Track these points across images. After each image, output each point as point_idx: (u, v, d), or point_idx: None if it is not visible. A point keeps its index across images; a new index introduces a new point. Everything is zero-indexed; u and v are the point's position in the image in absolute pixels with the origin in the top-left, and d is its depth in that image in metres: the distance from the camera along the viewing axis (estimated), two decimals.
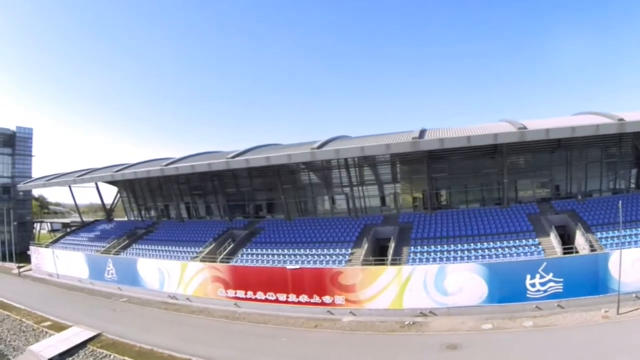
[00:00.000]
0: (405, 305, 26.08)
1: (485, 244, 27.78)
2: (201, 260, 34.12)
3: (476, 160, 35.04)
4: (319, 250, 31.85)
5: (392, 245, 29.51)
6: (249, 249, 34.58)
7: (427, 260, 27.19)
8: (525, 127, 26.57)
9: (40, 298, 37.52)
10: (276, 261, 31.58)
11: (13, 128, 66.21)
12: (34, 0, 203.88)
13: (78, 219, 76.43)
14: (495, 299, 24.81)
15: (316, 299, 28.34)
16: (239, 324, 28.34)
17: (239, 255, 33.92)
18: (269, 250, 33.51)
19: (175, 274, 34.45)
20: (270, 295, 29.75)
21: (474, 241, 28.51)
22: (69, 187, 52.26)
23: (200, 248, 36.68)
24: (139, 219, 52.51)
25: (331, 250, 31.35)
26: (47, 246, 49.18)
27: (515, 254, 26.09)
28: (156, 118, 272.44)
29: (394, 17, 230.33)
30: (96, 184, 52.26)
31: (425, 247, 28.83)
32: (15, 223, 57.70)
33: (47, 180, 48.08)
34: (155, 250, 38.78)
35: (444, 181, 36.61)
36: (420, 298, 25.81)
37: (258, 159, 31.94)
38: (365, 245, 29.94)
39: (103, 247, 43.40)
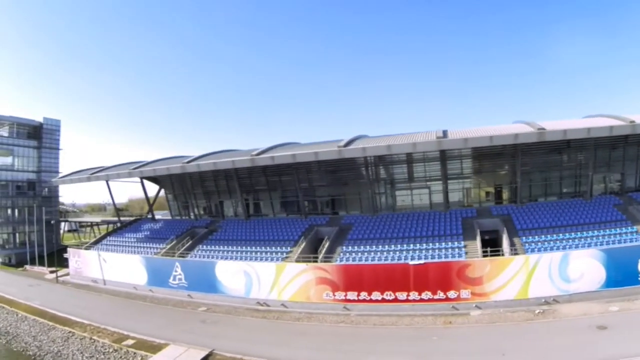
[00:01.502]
0: (531, 295, 25.15)
1: (590, 232, 27.49)
2: (297, 261, 29.62)
3: (556, 155, 34.73)
4: (424, 244, 29.19)
5: (503, 236, 28.48)
6: (347, 247, 30.65)
7: (545, 249, 26.30)
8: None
9: (99, 309, 31.24)
10: (381, 258, 28.45)
11: (39, 119, 59.44)
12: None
13: (92, 219, 70.82)
14: (611, 284, 24.64)
15: (440, 294, 26.10)
16: (368, 328, 24.48)
17: (339, 254, 29.98)
18: (368, 247, 30.05)
19: (268, 278, 29.67)
20: (388, 295, 26.78)
21: (578, 230, 27.97)
22: (107, 183, 46.69)
23: (289, 247, 32.14)
24: (186, 217, 46.85)
25: (443, 243, 28.89)
26: (87, 248, 43.33)
27: (622, 241, 25.86)
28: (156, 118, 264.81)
29: (390, 23, 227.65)
30: (141, 179, 46.93)
31: (536, 236, 27.91)
32: (52, 222, 51.65)
33: (91, 174, 41.74)
34: (233, 251, 33.45)
35: (525, 175, 34.54)
36: (545, 286, 25.09)
37: (354, 150, 29.74)
38: (478, 238, 28.69)
39: (160, 249, 37.55)
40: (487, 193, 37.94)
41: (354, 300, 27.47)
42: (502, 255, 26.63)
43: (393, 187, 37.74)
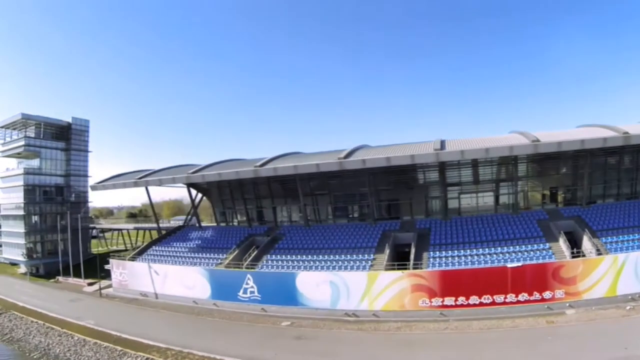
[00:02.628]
0: (619, 292, 25.31)
1: None
2: (386, 269, 27.59)
3: (614, 157, 34.50)
4: (510, 247, 28.55)
5: (584, 237, 28.38)
6: (434, 252, 28.95)
7: (627, 248, 26.34)
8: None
9: (168, 329, 27.78)
10: (472, 262, 27.59)
11: (67, 119, 54.99)
12: None
13: (125, 225, 66.15)
14: None
15: (536, 295, 25.76)
16: (475, 333, 23.58)
17: (429, 260, 28.23)
18: (456, 251, 28.81)
19: (359, 287, 27.51)
20: (486, 298, 26.08)
21: None
22: (146, 189, 43.11)
23: (371, 255, 29.98)
24: (233, 224, 43.94)
25: (528, 246, 28.36)
26: (132, 259, 39.64)
27: None
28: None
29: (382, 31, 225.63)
30: (188, 185, 43.71)
31: (614, 236, 27.93)
32: (90, 229, 47.44)
33: (138, 179, 37.97)
34: (311, 260, 30.77)
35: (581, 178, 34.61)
36: (631, 283, 25.28)
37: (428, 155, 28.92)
38: (561, 239, 28.21)
39: (221, 259, 34.32)
40: (544, 195, 37.54)
41: (451, 306, 26.37)
42: (583, 255, 26.63)
43: (460, 190, 36.21)
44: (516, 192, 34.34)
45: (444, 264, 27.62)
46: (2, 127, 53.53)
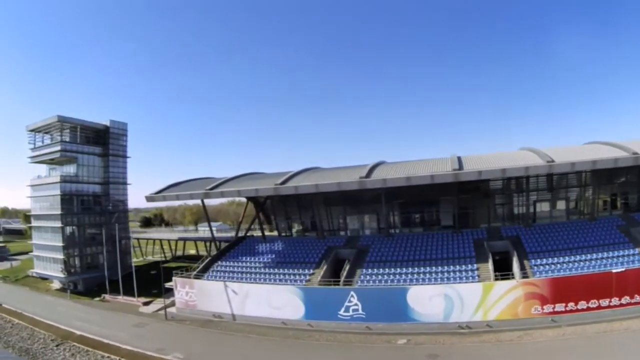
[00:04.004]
0: None
1: None
2: (496, 278, 27.05)
3: None
4: (608, 252, 28.52)
5: None
6: (539, 260, 28.79)
7: None
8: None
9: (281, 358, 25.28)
10: (578, 268, 27.60)
11: (105, 122, 49.73)
12: None
13: (167, 235, 60.84)
14: None
15: (637, 298, 25.93)
16: (599, 336, 23.55)
17: (534, 268, 28.13)
18: (560, 258, 28.73)
19: (474, 298, 26.71)
20: (593, 303, 26.31)
21: None
22: (202, 201, 39.67)
23: (474, 265, 29.20)
24: (297, 234, 41.45)
25: (626, 250, 28.45)
26: (198, 276, 35.73)
27: None
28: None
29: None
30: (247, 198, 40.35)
31: None
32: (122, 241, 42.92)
33: (209, 189, 33.92)
34: (417, 273, 29.46)
35: None
36: None
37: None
38: None
39: (309, 274, 32.03)
40: (605, 202, 37.52)
41: (561, 312, 26.29)
42: None
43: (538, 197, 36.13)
44: (593, 199, 34.11)
45: (549, 271, 27.49)
46: (32, 130, 47.89)
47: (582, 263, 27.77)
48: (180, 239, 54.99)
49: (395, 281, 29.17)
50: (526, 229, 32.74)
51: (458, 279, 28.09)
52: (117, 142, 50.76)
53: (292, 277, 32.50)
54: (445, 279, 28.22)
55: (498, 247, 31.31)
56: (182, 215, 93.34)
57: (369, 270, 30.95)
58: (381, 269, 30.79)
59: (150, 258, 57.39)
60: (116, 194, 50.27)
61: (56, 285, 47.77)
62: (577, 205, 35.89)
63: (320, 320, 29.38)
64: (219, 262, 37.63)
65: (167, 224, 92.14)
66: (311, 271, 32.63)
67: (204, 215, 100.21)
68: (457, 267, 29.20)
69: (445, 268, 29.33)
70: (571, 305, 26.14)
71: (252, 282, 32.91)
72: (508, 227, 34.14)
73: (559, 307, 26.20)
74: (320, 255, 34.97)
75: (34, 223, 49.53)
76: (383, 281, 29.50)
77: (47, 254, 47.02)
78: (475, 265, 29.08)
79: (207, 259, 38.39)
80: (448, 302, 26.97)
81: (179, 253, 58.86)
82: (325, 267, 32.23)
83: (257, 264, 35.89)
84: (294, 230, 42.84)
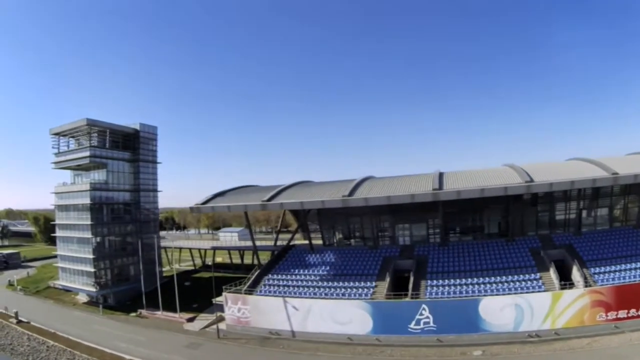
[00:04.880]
0: None
1: None
2: (562, 287, 27.66)
3: None
4: None
5: None
6: (596, 268, 29.56)
7: None
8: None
9: None
10: (632, 276, 28.33)
11: (134, 125, 46.29)
12: None
13: (198, 244, 57.32)
14: None
15: None
16: None
17: (595, 276, 28.84)
18: (620, 266, 29.42)
19: (543, 308, 27.19)
20: None
21: None
22: (245, 213, 38.02)
23: (536, 274, 29.49)
24: (342, 245, 40.27)
25: None
26: (249, 292, 33.64)
27: None
28: None
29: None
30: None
31: None
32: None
33: (266, 200, 32.13)
34: (486, 283, 29.56)
35: None
36: None
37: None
38: None
39: (369, 287, 31.44)
40: None
41: (623, 318, 27.23)
42: None
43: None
44: (638, 208, 34.75)
45: (609, 279, 28.20)
46: (56, 134, 44.42)
47: (638, 271, 28.48)
48: (214, 248, 52.20)
49: (464, 292, 29.12)
50: (577, 237, 33.62)
51: (525, 288, 28.41)
52: (147, 147, 47.65)
53: (354, 290, 31.73)
54: (512, 289, 28.48)
55: (554, 255, 31.65)
56: (197, 219, 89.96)
57: (434, 281, 30.78)
58: (446, 280, 30.68)
59: (176, 266, 54.46)
60: (147, 201, 47.25)
61: (82, 298, 44.78)
62: (620, 213, 36.37)
63: (389, 335, 28.89)
64: (270, 276, 35.91)
65: (179, 228, 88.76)
66: (373, 284, 32.03)
67: (219, 219, 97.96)
68: (521, 277, 29.52)
69: (510, 277, 29.61)
70: (633, 311, 26.93)
71: (314, 297, 31.91)
72: (559, 235, 34.61)
73: (622, 313, 27.06)
74: (379, 267, 34.47)
75: (59, 233, 46.04)
76: (452, 293, 29.35)
77: (74, 266, 43.95)
78: (538, 274, 29.48)
79: (256, 272, 36.41)
80: (518, 312, 27.26)
81: (207, 259, 56.18)
82: (388, 280, 31.70)
83: (312, 277, 34.49)
84: (336, 238, 41.12)
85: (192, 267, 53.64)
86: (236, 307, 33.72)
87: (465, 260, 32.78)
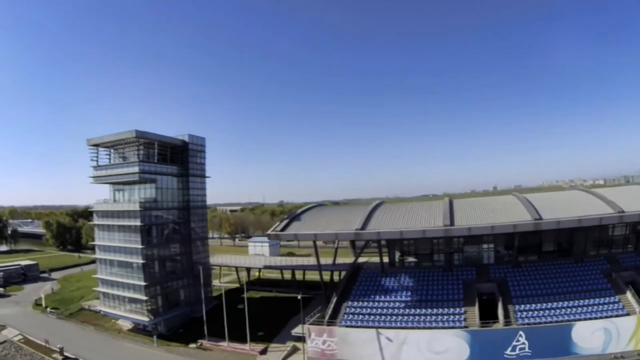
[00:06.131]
0: None
1: None
2: None
3: None
4: None
5: None
6: None
7: None
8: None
9: None
10: None
11: (182, 137, 42.16)
12: None
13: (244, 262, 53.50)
14: None
15: None
16: None
17: None
18: None
19: (628, 330, 28.23)
20: None
21: None
22: (314, 243, 36.61)
23: (615, 297, 30.33)
24: (407, 267, 39.23)
25: None
26: (330, 322, 31.64)
27: None
28: None
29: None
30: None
31: None
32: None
33: (359, 229, 30.67)
34: (572, 307, 30.10)
35: None
36: None
37: None
38: None
39: (458, 314, 30.93)
40: None
41: None
42: None
43: None
44: None
45: None
46: (95, 145, 40.02)
47: None
48: (267, 267, 49.02)
49: (554, 316, 29.65)
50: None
51: (607, 311, 29.42)
52: (195, 160, 43.85)
53: (444, 317, 31.24)
54: (599, 312, 29.44)
55: (626, 277, 32.59)
56: (218, 225, 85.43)
57: (522, 306, 31.00)
58: (533, 305, 30.96)
59: (217, 283, 51.08)
60: (196, 219, 43.64)
61: (126, 324, 40.96)
62: None
63: None
64: (350, 303, 34.34)
65: None
66: (462, 310, 31.65)
67: (242, 224, 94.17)
68: (601, 300, 30.40)
69: (592, 301, 30.39)
70: None
71: (408, 328, 31.07)
72: (624, 256, 35.23)
73: None
74: (461, 291, 34.03)
75: (99, 255, 41.48)
76: (542, 317, 29.77)
77: (120, 292, 39.81)
78: (616, 297, 30.45)
79: (334, 300, 34.00)
80: (607, 335, 28.33)
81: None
82: (477, 305, 31.55)
83: (395, 304, 33.69)
84: (404, 258, 39.37)
85: (238, 285, 50.33)
86: (321, 339, 31.68)
87: (543, 282, 33.09)
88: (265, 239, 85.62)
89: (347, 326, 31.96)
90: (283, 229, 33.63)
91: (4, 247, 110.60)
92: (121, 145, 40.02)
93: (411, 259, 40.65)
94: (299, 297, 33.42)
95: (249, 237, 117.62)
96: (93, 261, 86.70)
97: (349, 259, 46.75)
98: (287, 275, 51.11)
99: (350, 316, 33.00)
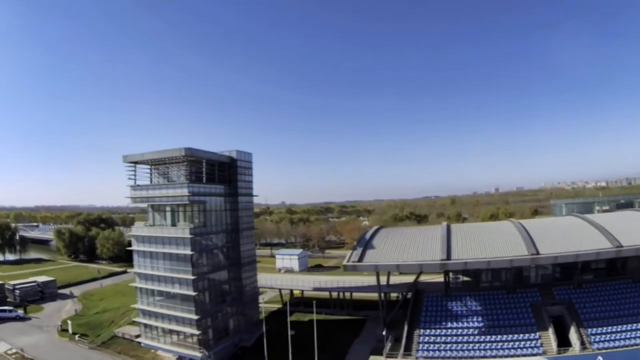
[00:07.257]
0: None
1: None
2: None
3: None
4: None
5: None
6: None
7: None
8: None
9: None
10: None
11: (230, 153, 38.76)
12: None
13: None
14: None
15: None
16: None
17: None
18: None
19: None
20: None
21: None
22: (377, 274, 36.45)
23: None
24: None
25: None
26: (405, 355, 30.18)
27: None
28: None
29: None
30: None
31: None
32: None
33: (445, 260, 28.17)
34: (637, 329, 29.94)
35: None
36: None
37: None
38: None
39: (536, 340, 30.30)
40: None
41: None
42: None
43: None
44: None
45: None
46: (134, 162, 36.48)
47: None
48: (317, 289, 45.85)
49: (628, 339, 29.44)
50: None
51: None
52: (243, 178, 40.56)
53: (520, 344, 30.64)
54: None
55: None
56: None
57: (593, 329, 30.86)
58: (604, 328, 30.80)
59: (260, 302, 47.69)
60: (245, 242, 40.19)
61: (169, 356, 37.45)
62: None
63: None
64: (422, 331, 31.84)
65: None
66: (537, 335, 31.28)
67: (258, 235, 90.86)
68: None
69: None
70: None
71: (488, 358, 30.37)
72: None
73: None
74: (530, 314, 33.51)
75: (139, 284, 37.78)
76: (617, 341, 29.58)
77: (166, 325, 36.29)
78: None
79: (406, 329, 31.24)
80: None
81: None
82: (550, 330, 31.16)
83: (466, 330, 33.85)
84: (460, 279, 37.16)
85: (280, 305, 47.08)
86: None
87: (608, 303, 32.94)
88: (295, 251, 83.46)
89: (425, 357, 30.01)
90: (360, 259, 30.84)
91: (12, 256, 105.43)
92: (166, 163, 36.33)
93: (466, 278, 38.57)
94: (383, 333, 31.91)
95: (267, 244, 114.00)
96: (112, 274, 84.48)
97: (396, 278, 44.18)
98: (334, 293, 48.14)
99: (426, 345, 31.85)
